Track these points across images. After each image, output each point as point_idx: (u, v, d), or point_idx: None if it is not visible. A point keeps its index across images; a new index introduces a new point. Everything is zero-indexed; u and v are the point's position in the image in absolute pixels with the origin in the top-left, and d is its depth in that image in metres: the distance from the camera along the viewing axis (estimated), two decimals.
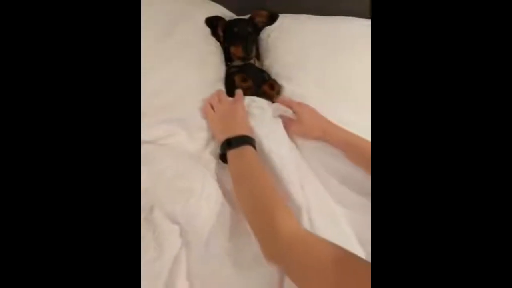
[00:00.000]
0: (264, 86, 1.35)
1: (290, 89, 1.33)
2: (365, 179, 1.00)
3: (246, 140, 0.99)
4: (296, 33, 1.44)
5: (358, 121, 1.22)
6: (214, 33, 1.43)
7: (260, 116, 1.13)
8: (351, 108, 1.27)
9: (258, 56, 1.49)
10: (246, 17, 1.52)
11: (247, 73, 1.37)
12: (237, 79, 1.33)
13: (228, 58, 1.45)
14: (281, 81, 1.36)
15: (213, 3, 1.53)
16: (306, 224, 0.90)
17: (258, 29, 1.50)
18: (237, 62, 1.43)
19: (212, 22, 1.42)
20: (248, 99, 1.21)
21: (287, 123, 1.19)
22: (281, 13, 1.51)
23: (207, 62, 1.32)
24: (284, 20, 1.49)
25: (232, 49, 1.42)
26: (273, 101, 1.27)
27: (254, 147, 0.99)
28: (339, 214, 1.02)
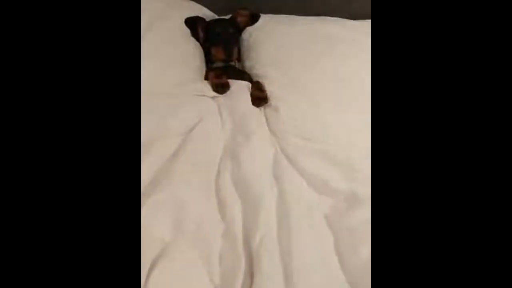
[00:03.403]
0: (253, 90, 1.36)
1: (269, 90, 1.35)
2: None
3: None
4: (278, 33, 1.46)
5: (341, 123, 1.27)
6: (194, 34, 1.45)
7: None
8: (333, 110, 1.29)
9: (240, 58, 1.51)
10: (228, 17, 1.54)
11: (226, 73, 1.38)
12: (211, 75, 1.34)
13: (208, 59, 1.47)
14: (261, 80, 1.40)
15: (193, 3, 1.55)
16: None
17: (240, 30, 1.52)
18: (218, 64, 1.45)
19: (192, 23, 1.44)
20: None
21: None
22: (263, 13, 1.53)
23: (187, 63, 1.34)
24: (266, 20, 1.51)
25: (213, 50, 1.44)
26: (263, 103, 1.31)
27: None
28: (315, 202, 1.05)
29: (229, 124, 1.24)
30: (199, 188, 1.03)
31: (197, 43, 1.45)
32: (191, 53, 1.39)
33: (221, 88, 1.31)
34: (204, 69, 1.43)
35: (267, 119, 1.31)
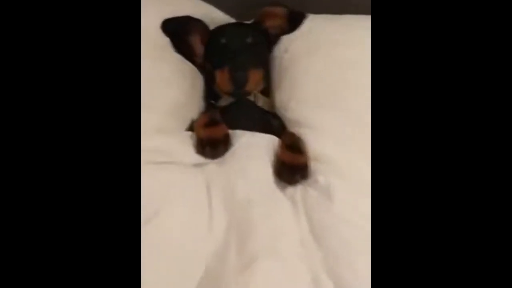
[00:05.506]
0: (281, 150, 0.79)
1: (314, 151, 0.80)
2: None
3: None
4: (333, 44, 0.89)
5: None
6: (182, 48, 0.92)
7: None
8: None
9: (268, 89, 0.95)
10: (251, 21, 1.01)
11: (236, 116, 0.85)
12: (199, 121, 0.83)
13: (211, 93, 0.94)
14: (301, 131, 0.84)
15: None
16: None
17: (269, 40, 0.97)
18: (226, 100, 0.91)
19: (177, 29, 0.92)
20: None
21: None
22: (310, 11, 0.97)
23: (154, 98, 0.80)
24: (314, 23, 0.95)
25: (217, 77, 0.88)
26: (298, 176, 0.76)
27: None
28: None
29: (221, 223, 0.67)
30: None
31: (187, 62, 0.92)
32: (163, 81, 0.85)
33: (211, 147, 0.76)
34: (196, 110, 0.90)
35: (306, 211, 0.70)
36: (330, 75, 0.87)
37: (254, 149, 0.76)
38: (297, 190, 0.73)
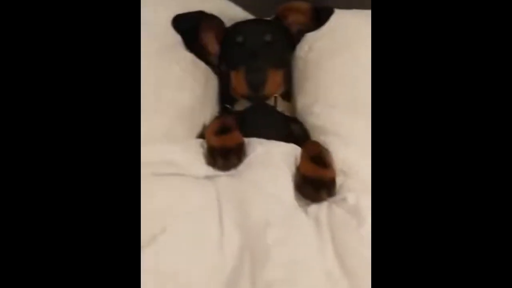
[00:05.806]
0: (303, 161, 0.70)
1: (342, 163, 0.72)
2: None
3: None
4: (362, 43, 0.80)
5: None
6: (194, 46, 0.86)
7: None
8: None
9: (290, 93, 0.88)
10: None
11: (253, 123, 0.79)
12: (210, 128, 0.76)
13: (226, 96, 0.87)
14: (327, 140, 0.77)
15: None
16: None
17: (291, 39, 0.89)
18: (242, 104, 0.84)
19: (189, 24, 0.86)
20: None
21: None
22: (336, 6, 0.89)
23: (160, 101, 0.75)
24: (342, 20, 0.87)
25: (233, 78, 0.82)
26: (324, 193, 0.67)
27: None
28: None
29: (233, 246, 0.58)
30: None
31: (201, 62, 0.86)
32: (174, 82, 0.78)
33: (222, 157, 0.68)
34: (209, 114, 0.84)
35: (332, 234, 0.61)
36: (359, 76, 0.78)
37: (272, 159, 0.68)
38: (321, 208, 0.63)
